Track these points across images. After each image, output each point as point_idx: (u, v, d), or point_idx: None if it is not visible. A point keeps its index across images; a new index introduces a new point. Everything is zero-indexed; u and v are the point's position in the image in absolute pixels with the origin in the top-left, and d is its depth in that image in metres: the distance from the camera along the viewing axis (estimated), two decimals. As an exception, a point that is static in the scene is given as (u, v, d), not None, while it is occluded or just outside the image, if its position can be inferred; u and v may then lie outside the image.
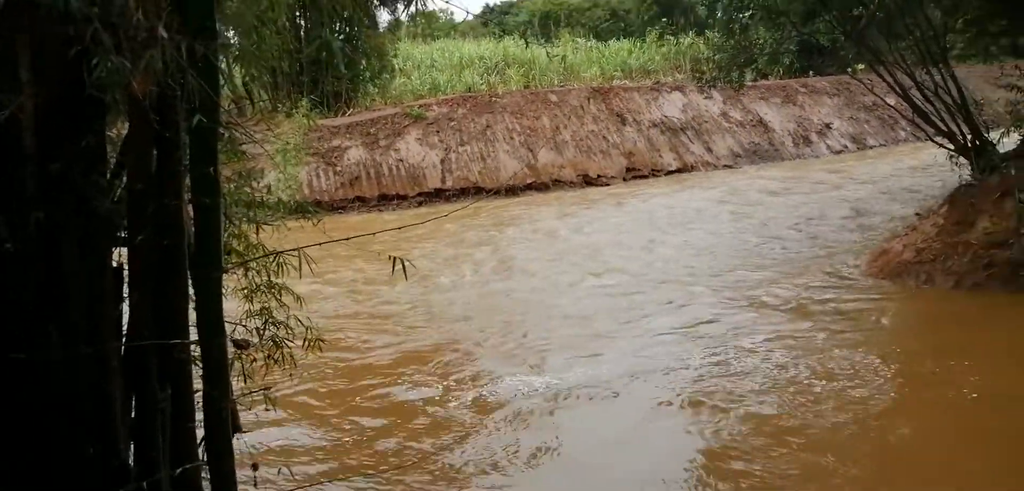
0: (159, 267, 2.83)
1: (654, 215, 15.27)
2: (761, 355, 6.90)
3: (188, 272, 2.89)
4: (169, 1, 2.73)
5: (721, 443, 5.33)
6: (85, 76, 2.53)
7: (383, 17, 25.61)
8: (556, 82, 24.49)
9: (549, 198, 18.49)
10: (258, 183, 3.86)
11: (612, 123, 22.05)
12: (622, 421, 5.90)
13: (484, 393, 6.45)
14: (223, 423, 2.91)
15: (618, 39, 31.37)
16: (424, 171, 19.15)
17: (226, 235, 3.37)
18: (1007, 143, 10.41)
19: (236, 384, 3.36)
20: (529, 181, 19.63)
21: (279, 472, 4.12)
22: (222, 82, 3.22)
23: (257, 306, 3.53)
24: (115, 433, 2.74)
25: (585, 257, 11.89)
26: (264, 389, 3.51)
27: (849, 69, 16.48)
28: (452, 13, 45.18)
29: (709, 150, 22.52)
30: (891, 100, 14.94)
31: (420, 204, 18.41)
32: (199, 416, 2.92)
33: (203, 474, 2.97)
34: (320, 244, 3.47)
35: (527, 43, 28.52)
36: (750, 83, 21.23)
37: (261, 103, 21.40)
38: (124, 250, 2.86)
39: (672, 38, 29.93)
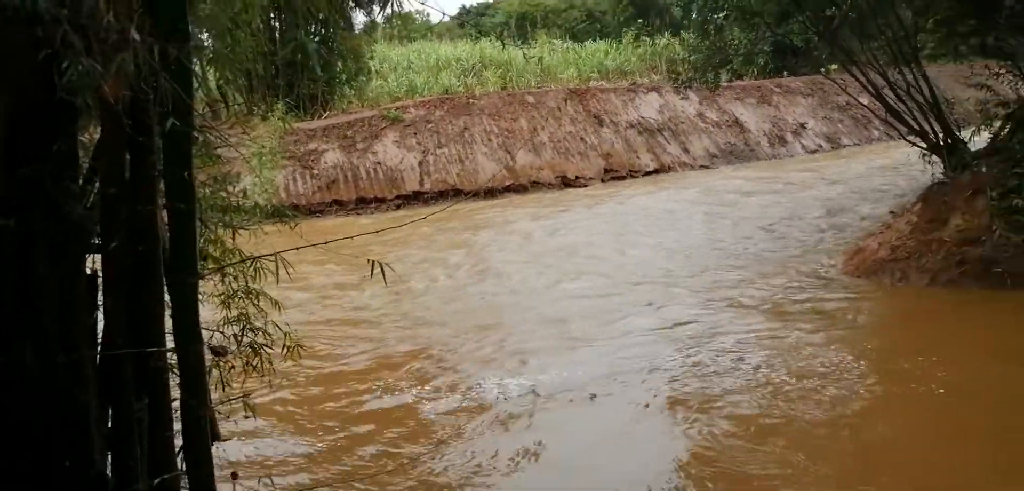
0: (134, 273, 2.78)
1: (631, 216, 15.31)
2: (739, 355, 6.94)
3: (163, 278, 2.84)
4: (140, 3, 2.69)
5: (702, 444, 5.34)
6: (55, 80, 2.48)
7: (359, 19, 25.46)
8: (533, 84, 24.52)
9: (527, 200, 18.49)
10: (234, 187, 3.81)
11: (589, 124, 22.11)
12: (603, 423, 5.90)
13: (462, 398, 6.42)
14: (201, 431, 2.87)
15: (594, 40, 31.48)
16: (402, 174, 19.09)
17: (202, 240, 3.33)
18: (978, 141, 10.55)
19: (214, 392, 3.31)
20: (508, 183, 19.63)
21: (259, 481, 4.07)
22: (196, 85, 3.18)
23: (234, 312, 3.48)
24: (91, 443, 2.69)
25: (562, 259, 11.89)
26: (243, 396, 3.47)
27: (823, 69, 16.69)
28: (428, 14, 45.09)
29: (686, 151, 22.64)
30: (864, 100, 15.12)
31: (398, 207, 18.35)
32: (178, 425, 2.88)
33: (182, 483, 2.92)
34: (297, 249, 3.43)
35: (503, 45, 28.54)
36: (725, 84, 21.43)
37: (236, 106, 21.18)
38: (98, 256, 2.80)
39: (648, 39, 30.09)
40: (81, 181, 2.85)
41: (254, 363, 3.47)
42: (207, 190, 3.57)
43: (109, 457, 2.78)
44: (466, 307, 9.52)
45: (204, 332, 2.99)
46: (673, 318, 8.26)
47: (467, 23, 43.08)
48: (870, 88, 11.90)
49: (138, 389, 2.82)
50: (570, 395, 6.33)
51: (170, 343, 2.86)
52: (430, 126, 20.29)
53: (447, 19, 42.17)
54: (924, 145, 11.00)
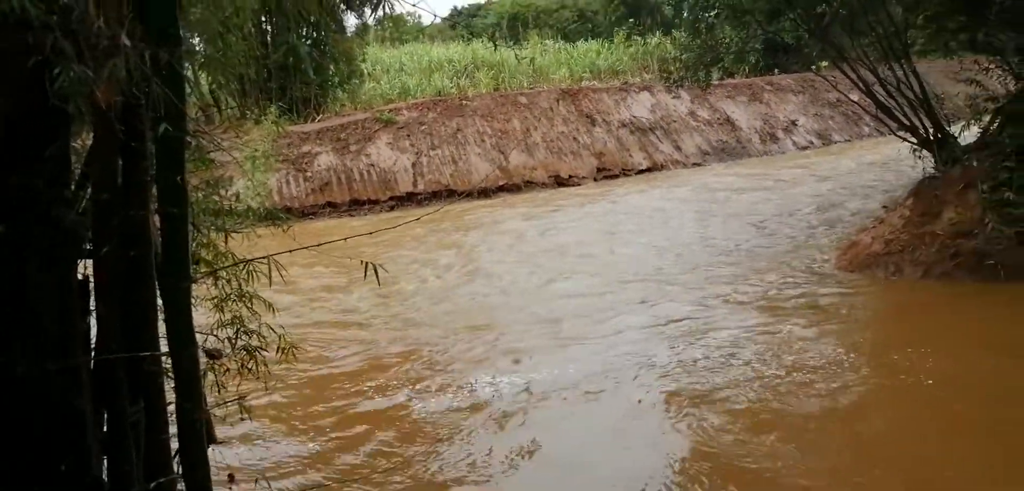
0: (126, 278, 2.78)
1: (624, 215, 15.33)
2: (733, 351, 6.96)
3: (156, 283, 2.85)
4: (131, 8, 2.69)
5: (697, 438, 5.36)
6: (47, 86, 2.48)
7: (350, 21, 25.48)
8: (525, 84, 24.52)
9: (521, 200, 18.49)
10: (227, 191, 3.81)
11: (582, 124, 22.14)
12: (597, 421, 5.92)
13: (456, 398, 6.42)
14: (197, 435, 2.87)
15: (586, 40, 31.47)
16: (395, 175, 19.07)
17: (194, 244, 3.33)
18: (968, 136, 10.60)
19: (209, 395, 3.31)
20: (501, 183, 19.63)
21: (256, 483, 4.07)
22: (188, 90, 3.18)
23: (228, 315, 3.48)
24: (87, 447, 2.69)
25: (554, 258, 11.89)
26: (239, 399, 3.47)
27: (813, 66, 16.69)
28: (420, 16, 45.02)
29: (678, 149, 22.68)
30: (855, 96, 15.15)
31: (392, 208, 18.34)
32: (174, 428, 2.88)
33: (179, 486, 2.92)
34: (290, 251, 3.43)
35: (495, 46, 28.52)
36: (717, 82, 21.45)
37: (229, 110, 21.21)
38: (90, 262, 2.80)
39: (639, 38, 30.10)
40: (74, 187, 2.85)
41: (249, 366, 3.47)
42: (200, 194, 3.57)
43: (105, 461, 2.78)
44: (457, 307, 9.52)
45: (198, 336, 2.99)
46: (666, 315, 8.28)
47: (459, 24, 43.03)
48: (860, 84, 11.93)
49: (133, 393, 2.82)
50: (564, 393, 6.35)
51: (164, 347, 2.86)
52: (423, 127, 20.28)
53: (438, 20, 42.20)
54: (915, 140, 11.03)
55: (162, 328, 2.87)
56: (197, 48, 4.05)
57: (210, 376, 3.38)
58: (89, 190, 2.85)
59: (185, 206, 2.88)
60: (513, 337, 8.06)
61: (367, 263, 3.37)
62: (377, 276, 3.30)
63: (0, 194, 2.53)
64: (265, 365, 3.51)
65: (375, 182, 18.81)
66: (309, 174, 18.50)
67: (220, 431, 3.66)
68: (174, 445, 2.90)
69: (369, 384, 6.91)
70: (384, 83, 23.86)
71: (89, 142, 2.90)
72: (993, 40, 9.98)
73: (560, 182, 20.35)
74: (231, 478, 3.51)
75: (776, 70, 27.21)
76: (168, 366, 2.90)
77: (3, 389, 2.52)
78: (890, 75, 11.34)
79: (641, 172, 21.36)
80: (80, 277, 2.83)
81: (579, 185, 20.20)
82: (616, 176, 20.99)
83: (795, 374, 6.28)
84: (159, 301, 2.88)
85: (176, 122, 2.79)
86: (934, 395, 5.90)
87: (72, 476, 2.65)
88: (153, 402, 2.87)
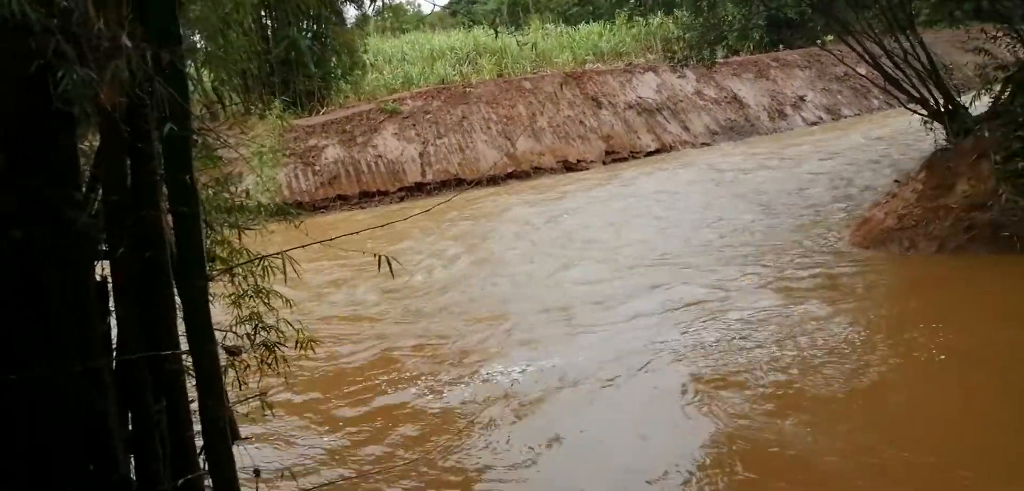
0: (143, 279, 2.78)
1: (634, 198, 15.28)
2: (749, 332, 6.91)
3: (173, 282, 2.84)
4: (131, 8, 2.67)
5: (718, 424, 5.30)
6: (50, 90, 2.45)
7: (350, 13, 25.42)
8: (529, 69, 24.42)
9: (529, 186, 18.45)
10: (236, 188, 3.79)
11: (588, 107, 22.05)
12: (616, 409, 5.85)
13: (471, 390, 6.38)
14: (221, 431, 2.88)
15: (587, 23, 31.31)
16: (403, 166, 19.05)
17: (209, 242, 3.31)
18: (979, 106, 10.48)
19: (231, 391, 3.31)
20: (509, 170, 19.58)
21: (280, 478, 4.06)
22: (191, 88, 3.15)
23: (246, 311, 3.47)
24: (113, 448, 2.70)
25: (564, 245, 11.85)
26: (261, 395, 3.46)
27: (819, 41, 16.56)
28: (419, 5, 44.92)
29: (686, 129, 22.58)
30: (862, 69, 15.01)
31: (401, 199, 18.33)
32: (198, 426, 2.89)
33: (206, 483, 2.93)
34: (303, 246, 3.41)
35: (496, 33, 28.39)
36: (721, 60, 21.36)
37: (233, 107, 21.21)
38: (107, 264, 2.80)
39: (641, 19, 29.91)
40: (84, 189, 2.84)
41: (268, 361, 3.46)
42: (210, 192, 3.55)
43: (132, 461, 2.79)
44: (468, 298, 9.48)
45: (217, 333, 2.99)
46: (680, 299, 8.21)
47: (459, 12, 42.90)
48: (867, 57, 11.82)
49: (156, 392, 2.83)
50: (580, 382, 6.30)
51: (184, 345, 2.87)
52: (428, 117, 20.24)
53: (438, 8, 42.06)
54: (924, 112, 10.92)
55: (182, 326, 2.87)
56: (198, 45, 4.02)
57: (231, 372, 3.38)
58: (99, 192, 2.84)
59: (196, 204, 2.87)
60: (526, 327, 8.02)
61: (380, 256, 3.34)
62: (391, 268, 3.28)
63: (13, 199, 2.52)
64: (285, 360, 3.50)
65: (383, 173, 18.79)
66: (317, 167, 18.50)
67: (243, 428, 3.64)
68: (198, 443, 2.90)
69: (383, 378, 6.90)
70: (387, 73, 23.82)
71: (97, 144, 2.88)
72: (999, 7, 9.86)
73: (568, 167, 20.30)
74: (256, 473, 3.50)
75: (781, 46, 27.01)
76: (189, 364, 2.90)
77: (27, 393, 2.52)
78: (896, 47, 11.22)
79: (650, 154, 21.29)
80: (98, 278, 2.82)
81: (588, 169, 20.15)
82: (625, 159, 20.93)
83: (813, 354, 6.23)
84: (177, 300, 2.87)
85: (181, 121, 2.78)
86: (954, 370, 5.84)
87: (100, 476, 2.66)
88: (176, 400, 2.88)
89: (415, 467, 5.10)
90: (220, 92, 20.90)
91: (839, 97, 25.56)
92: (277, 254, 3.28)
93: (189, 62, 3.42)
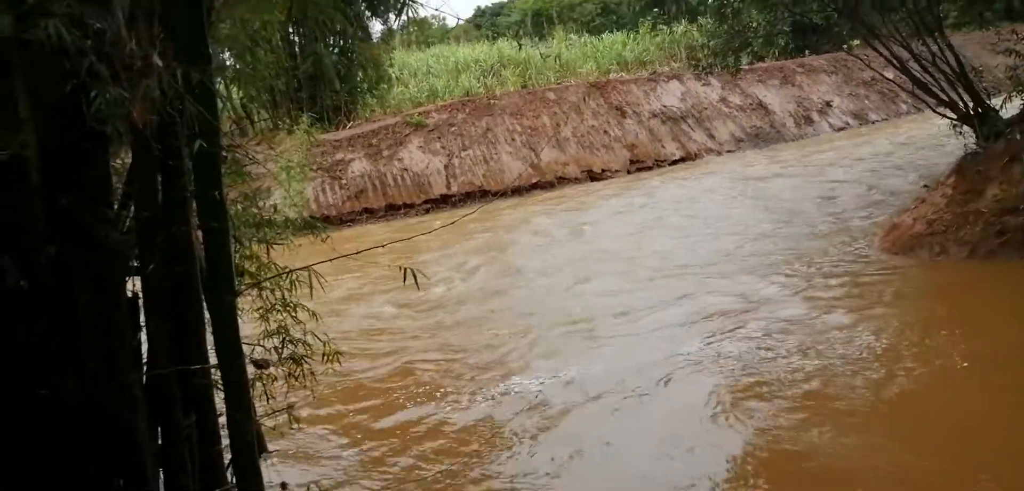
0: (173, 294, 2.82)
1: (659, 207, 15.22)
2: (778, 342, 6.85)
3: (202, 297, 2.88)
4: (162, 28, 2.72)
5: (749, 436, 5.25)
6: (84, 109, 2.51)
7: (375, 27, 25.66)
8: (553, 80, 24.45)
9: (553, 197, 18.44)
10: (264, 203, 3.84)
11: (612, 117, 22.02)
12: (642, 422, 5.81)
13: (494, 404, 6.35)
14: (249, 445, 2.91)
15: (611, 33, 31.30)
16: (429, 178, 19.14)
17: (237, 257, 3.36)
18: (1010, 108, 10.33)
19: (258, 405, 3.35)
20: (534, 181, 19.60)
21: (308, 489, 4.09)
22: (221, 105, 3.21)
23: (273, 325, 3.51)
24: (143, 462, 2.74)
25: (589, 256, 11.81)
26: (288, 408, 3.50)
27: (845, 46, 16.42)
28: (444, 19, 45.20)
29: (711, 137, 22.46)
30: (889, 74, 14.88)
31: (427, 211, 18.41)
32: (226, 440, 2.93)
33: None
34: (331, 259, 3.45)
35: (520, 45, 28.45)
36: (747, 67, 21.23)
37: (261, 123, 21.46)
38: (138, 280, 2.85)
39: (665, 28, 29.85)
40: (116, 206, 2.89)
41: (296, 374, 3.50)
42: (239, 207, 3.60)
43: (161, 475, 2.83)
44: (493, 310, 9.43)
45: (245, 346, 3.02)
46: (706, 309, 8.15)
47: (483, 24, 43.11)
48: (894, 62, 11.70)
49: (185, 407, 2.86)
50: (603, 393, 6.26)
51: (213, 359, 2.91)
52: (453, 129, 20.33)
53: (462, 22, 42.26)
54: (954, 116, 10.78)
55: (210, 341, 2.91)
56: (228, 63, 4.08)
57: (258, 386, 3.42)
58: (131, 209, 2.89)
59: (225, 220, 2.91)
60: (549, 338, 7.98)
61: (405, 268, 3.37)
62: (416, 281, 3.30)
63: (47, 217, 2.57)
64: (312, 373, 3.54)
65: (409, 186, 18.90)
66: (344, 181, 18.64)
67: (269, 442, 3.68)
68: (227, 457, 2.93)
69: (405, 390, 6.91)
70: (412, 86, 23.98)
71: (128, 161, 2.94)
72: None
73: (593, 176, 20.27)
74: (284, 487, 3.54)
75: (807, 52, 26.81)
76: (218, 378, 2.94)
77: (58, 408, 2.57)
78: (924, 50, 11.10)
79: (674, 162, 21.20)
80: (129, 294, 2.87)
81: (612, 178, 20.11)
82: (649, 168, 20.86)
83: (839, 363, 6.16)
84: (207, 314, 2.91)
85: (210, 138, 2.82)
86: (985, 377, 5.76)
87: (130, 490, 2.69)
88: (204, 415, 2.91)
89: (440, 479, 5.11)
90: (249, 108, 21.17)
91: (866, 102, 25.30)
92: (303, 268, 3.32)
93: (219, 80, 3.48)
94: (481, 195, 18.75)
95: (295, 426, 3.66)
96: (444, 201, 18.74)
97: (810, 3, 15.12)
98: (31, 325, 2.54)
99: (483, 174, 19.49)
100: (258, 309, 3.51)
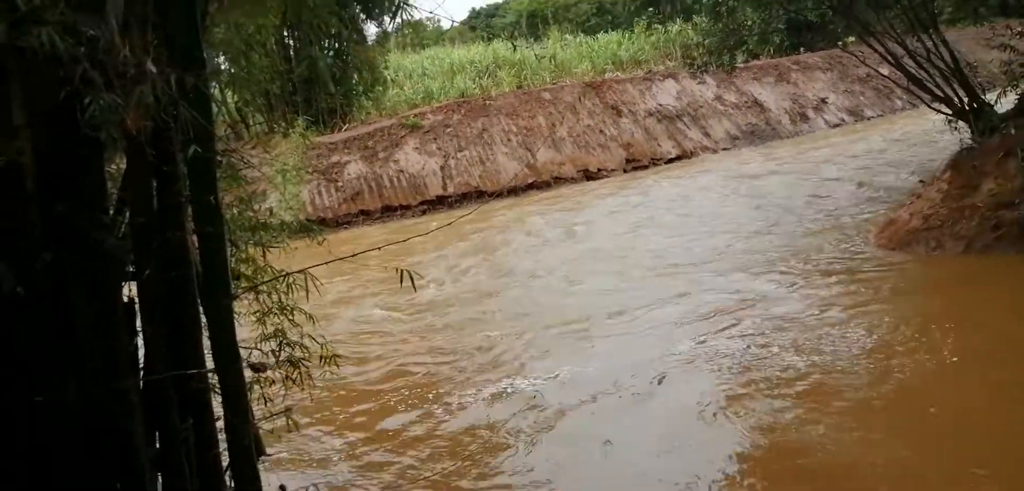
0: (169, 299, 2.82)
1: (654, 205, 15.23)
2: (777, 338, 6.85)
3: (199, 301, 2.88)
4: (155, 34, 2.73)
5: (748, 433, 5.25)
6: (78, 116, 2.51)
7: (370, 30, 25.68)
8: (548, 80, 24.47)
9: (549, 196, 18.45)
10: (260, 206, 3.84)
11: (608, 116, 22.04)
12: (642, 421, 5.79)
13: (492, 405, 6.31)
14: (246, 449, 2.92)
15: (606, 32, 31.32)
16: (425, 180, 19.15)
17: (233, 260, 3.36)
18: (1005, 103, 10.35)
19: (256, 408, 3.35)
20: (530, 181, 19.62)
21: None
22: (216, 110, 3.21)
23: (270, 328, 3.52)
24: (140, 467, 2.74)
25: (584, 255, 11.81)
26: (286, 410, 3.50)
27: (840, 43, 16.44)
28: (439, 21, 45.20)
29: (707, 135, 22.49)
30: (884, 70, 14.88)
31: (423, 213, 18.43)
32: (224, 443, 2.93)
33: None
34: (327, 263, 3.45)
35: (515, 47, 28.47)
36: (742, 65, 21.23)
37: (257, 126, 21.45)
38: (134, 285, 2.85)
39: (660, 27, 29.88)
40: (111, 212, 2.90)
41: (293, 377, 3.50)
42: (235, 211, 3.60)
43: (159, 479, 2.83)
44: (489, 310, 9.43)
45: (242, 350, 3.02)
46: (703, 307, 8.15)
47: (478, 26, 43.13)
48: (889, 58, 11.72)
49: (182, 411, 2.87)
50: (600, 392, 6.24)
51: (210, 364, 2.91)
52: (449, 130, 20.34)
53: (456, 23, 42.28)
54: (949, 111, 10.80)
55: (207, 345, 2.91)
56: (222, 68, 4.09)
57: (256, 389, 3.42)
58: (127, 215, 2.90)
59: (220, 225, 2.91)
60: (545, 338, 7.96)
61: (402, 270, 3.38)
62: (413, 283, 3.31)
63: (43, 224, 2.58)
64: (310, 376, 3.54)
65: (405, 187, 18.91)
66: (340, 184, 18.65)
67: (268, 445, 3.69)
68: (224, 460, 2.93)
69: (402, 392, 6.90)
70: (407, 88, 23.99)
71: (123, 167, 2.94)
72: (1024, 2, 9.75)
73: (589, 176, 20.29)
74: (282, 488, 3.54)
75: (801, 49, 26.85)
76: (215, 382, 2.94)
77: (56, 413, 2.57)
78: (919, 46, 11.11)
79: (670, 161, 21.24)
80: (125, 299, 2.88)
81: (608, 178, 20.13)
82: (645, 166, 20.89)
83: (836, 359, 6.17)
84: (203, 319, 2.91)
85: (205, 143, 2.83)
86: (981, 372, 5.76)
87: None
88: (202, 419, 2.91)
89: (439, 479, 5.11)
90: (244, 112, 21.16)
91: (862, 98, 25.35)
92: (299, 271, 3.32)
93: (213, 84, 3.49)
94: (477, 196, 18.77)
95: (293, 429, 3.66)
96: (440, 202, 18.75)
97: (805, 1, 15.13)
98: (28, 330, 2.54)
99: (479, 175, 19.50)
100: (255, 312, 3.51)
